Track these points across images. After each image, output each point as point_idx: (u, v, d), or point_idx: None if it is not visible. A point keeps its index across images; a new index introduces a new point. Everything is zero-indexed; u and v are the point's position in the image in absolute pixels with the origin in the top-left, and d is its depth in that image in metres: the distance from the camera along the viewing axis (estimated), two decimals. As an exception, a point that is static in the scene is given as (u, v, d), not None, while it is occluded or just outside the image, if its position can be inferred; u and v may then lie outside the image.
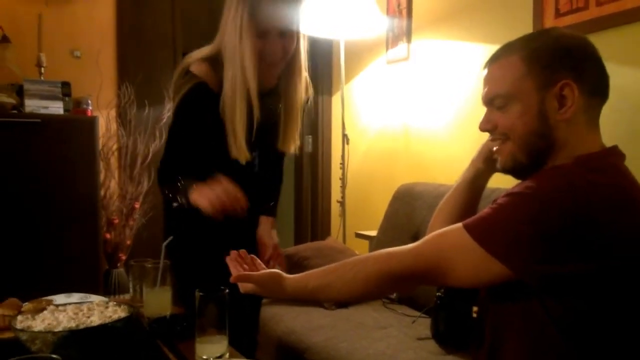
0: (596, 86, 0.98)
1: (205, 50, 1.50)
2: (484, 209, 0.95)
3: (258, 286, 1.11)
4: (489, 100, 1.04)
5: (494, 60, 1.04)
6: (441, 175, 2.57)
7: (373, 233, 2.63)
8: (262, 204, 1.69)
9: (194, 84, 1.44)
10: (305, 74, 1.58)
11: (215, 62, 1.46)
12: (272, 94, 1.56)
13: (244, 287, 1.12)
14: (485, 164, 1.19)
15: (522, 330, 0.95)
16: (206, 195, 1.35)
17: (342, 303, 2.15)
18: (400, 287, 1.16)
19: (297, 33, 1.48)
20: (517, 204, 0.91)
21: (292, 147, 1.62)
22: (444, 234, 0.99)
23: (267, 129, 1.53)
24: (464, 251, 0.93)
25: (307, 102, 1.65)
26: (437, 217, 1.25)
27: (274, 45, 1.43)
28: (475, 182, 1.22)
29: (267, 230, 1.68)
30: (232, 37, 1.41)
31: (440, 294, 1.72)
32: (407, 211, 2.36)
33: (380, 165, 3.09)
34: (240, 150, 1.45)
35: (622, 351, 0.89)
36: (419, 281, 1.05)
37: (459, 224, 0.96)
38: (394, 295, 2.28)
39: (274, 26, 1.42)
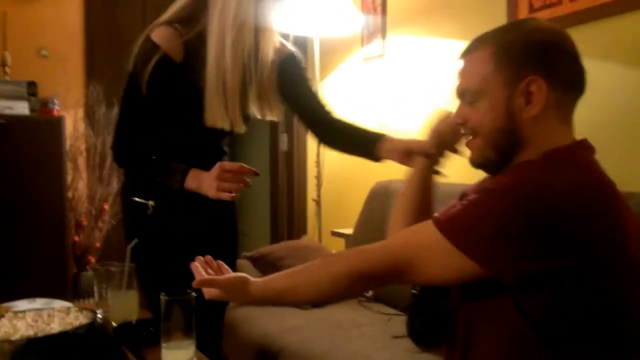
0: (570, 81, 0.95)
1: (173, 10, 1.45)
2: (455, 205, 0.93)
3: (222, 291, 1.06)
4: (460, 94, 1.02)
5: (466, 53, 1.01)
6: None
7: (349, 231, 2.61)
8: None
9: (148, 47, 1.40)
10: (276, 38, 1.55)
11: (182, 20, 1.43)
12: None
13: (209, 292, 1.07)
14: (439, 150, 1.17)
15: (495, 327, 0.93)
16: (211, 186, 1.33)
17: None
18: (369, 286, 1.13)
19: None
20: (488, 201, 0.89)
21: (275, 114, 1.60)
22: (414, 231, 0.97)
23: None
24: (435, 248, 0.91)
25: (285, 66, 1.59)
26: (394, 217, 1.21)
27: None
28: (428, 172, 1.20)
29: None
30: (235, 19, 1.37)
31: (415, 291, 1.70)
32: (383, 208, 2.33)
33: (356, 164, 3.05)
34: (235, 118, 1.43)
35: (594, 349, 0.88)
36: (388, 279, 1.03)
37: (429, 221, 0.93)
38: (369, 294, 2.26)
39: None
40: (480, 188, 0.93)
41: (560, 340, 0.87)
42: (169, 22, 1.43)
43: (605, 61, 1.89)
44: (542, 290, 0.86)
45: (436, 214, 0.95)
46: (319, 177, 2.92)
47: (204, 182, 1.35)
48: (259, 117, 1.58)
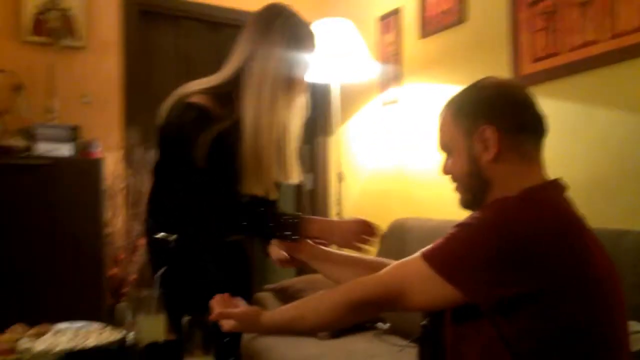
0: (520, 125, 1.08)
1: (206, 85, 1.55)
2: (438, 239, 1.05)
3: (237, 322, 1.21)
4: (440, 148, 1.18)
5: (440, 114, 1.18)
6: (432, 212, 2.67)
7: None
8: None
9: (196, 110, 1.48)
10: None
11: (221, 96, 1.53)
12: None
13: (225, 325, 1.22)
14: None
15: (475, 349, 1.03)
16: (337, 229, 1.44)
17: (334, 332, 2.23)
18: (364, 314, 1.26)
19: None
20: (465, 233, 1.01)
21: (295, 176, 1.69)
22: (404, 264, 1.09)
23: None
24: (422, 278, 1.02)
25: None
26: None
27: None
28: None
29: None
30: (273, 80, 1.49)
31: (425, 322, 1.80)
32: (399, 245, 2.45)
33: (375, 202, 3.20)
34: (267, 186, 1.55)
35: None
36: (383, 307, 1.17)
37: (418, 254, 1.05)
38: (385, 326, 2.36)
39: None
40: (459, 223, 1.05)
41: None
42: (208, 93, 1.52)
43: (601, 107, 2.00)
44: (517, 314, 0.95)
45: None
46: (339, 215, 3.06)
47: (336, 233, 1.43)
48: (282, 181, 1.67)
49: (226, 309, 1.22)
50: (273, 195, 1.61)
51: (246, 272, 1.84)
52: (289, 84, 1.54)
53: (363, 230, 1.43)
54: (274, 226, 1.44)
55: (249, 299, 1.81)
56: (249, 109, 1.51)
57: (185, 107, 1.51)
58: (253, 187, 1.54)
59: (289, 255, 1.47)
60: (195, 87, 1.58)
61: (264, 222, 1.45)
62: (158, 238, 1.68)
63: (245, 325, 1.22)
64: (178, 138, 1.50)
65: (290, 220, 1.43)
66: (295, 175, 1.70)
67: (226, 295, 1.29)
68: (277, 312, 1.22)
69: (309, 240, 1.44)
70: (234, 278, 1.74)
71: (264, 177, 1.56)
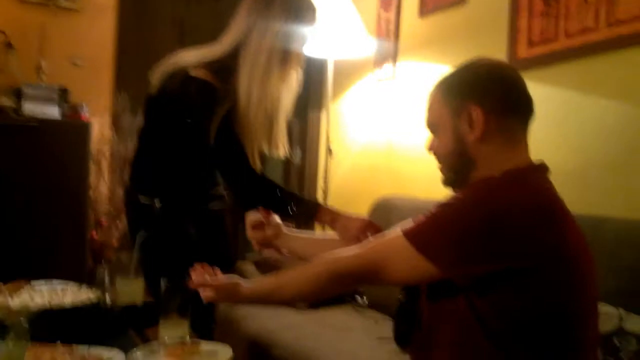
0: (507, 107, 1.09)
1: (205, 56, 1.56)
2: (419, 216, 1.06)
3: (216, 292, 1.21)
4: (427, 127, 1.19)
5: (429, 93, 1.18)
6: (420, 190, 2.67)
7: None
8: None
9: (202, 85, 1.51)
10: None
11: (220, 70, 1.54)
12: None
13: (205, 295, 1.22)
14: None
15: (450, 326, 1.05)
16: (343, 221, 1.50)
17: (313, 303, 2.25)
18: (343, 287, 1.28)
19: None
20: (446, 212, 1.03)
21: (282, 149, 1.73)
22: (384, 239, 1.10)
23: None
24: (401, 254, 1.04)
25: None
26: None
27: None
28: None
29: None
30: (268, 55, 1.51)
31: (401, 297, 1.82)
32: (384, 222, 2.43)
33: (363, 179, 3.21)
34: (254, 158, 1.57)
35: (541, 349, 0.97)
36: (361, 280, 1.20)
37: (398, 230, 1.07)
38: (364, 301, 2.38)
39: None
40: (440, 202, 1.06)
41: (508, 340, 0.98)
42: (208, 66, 1.54)
43: (597, 96, 2.00)
44: (492, 291, 0.97)
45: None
46: (325, 191, 3.06)
47: (349, 229, 1.48)
48: (267, 152, 1.70)
49: (205, 279, 1.22)
50: (255, 167, 1.60)
51: (226, 241, 1.84)
52: (285, 57, 1.55)
53: (369, 228, 1.48)
54: (293, 207, 1.52)
55: (230, 268, 1.81)
56: (243, 81, 1.53)
57: (190, 81, 1.52)
58: (271, 149, 1.63)
59: (264, 243, 1.49)
60: (193, 58, 1.57)
61: (284, 201, 1.53)
62: (142, 202, 1.68)
63: (225, 295, 1.23)
64: (189, 114, 1.53)
65: (308, 206, 1.55)
66: (282, 149, 1.72)
67: (205, 264, 1.29)
68: (257, 282, 1.24)
69: (283, 228, 1.47)
70: (214, 246, 1.74)
71: (251, 148, 1.57)
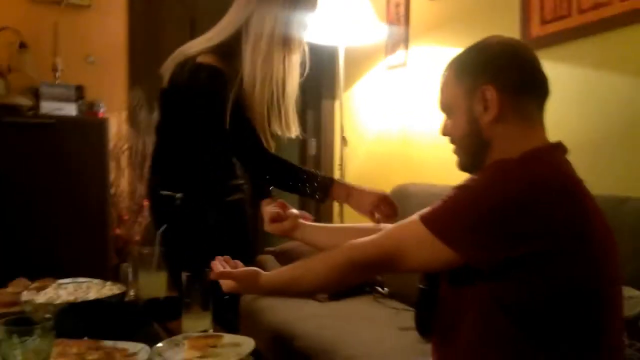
0: (522, 86, 1.06)
1: (210, 42, 1.60)
2: (436, 202, 1.04)
3: (237, 283, 1.21)
4: (440, 109, 1.17)
5: (442, 74, 1.16)
6: (436, 176, 2.66)
7: (369, 231, 2.72)
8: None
9: (211, 71, 1.54)
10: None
11: (228, 52, 1.58)
12: None
13: (225, 285, 1.22)
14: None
15: (472, 312, 1.03)
16: (357, 196, 1.53)
17: (334, 295, 2.26)
18: (362, 275, 1.27)
19: None
20: (463, 196, 1.01)
21: (294, 130, 1.74)
22: (402, 226, 1.08)
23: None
24: (419, 240, 1.02)
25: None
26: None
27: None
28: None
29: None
30: (269, 38, 1.54)
31: (422, 286, 1.82)
32: (401, 211, 2.44)
33: (379, 167, 3.20)
34: (267, 137, 1.61)
35: (565, 332, 0.96)
36: (381, 268, 1.17)
37: (416, 217, 1.05)
38: (385, 290, 2.38)
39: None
40: (457, 185, 1.04)
41: (531, 325, 0.96)
42: (215, 52, 1.57)
43: (612, 72, 1.97)
44: (514, 275, 0.95)
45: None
46: (342, 180, 3.06)
47: (363, 204, 1.50)
48: (279, 133, 1.72)
49: (226, 269, 1.22)
50: (269, 148, 1.63)
51: (247, 232, 1.85)
52: (285, 42, 1.57)
53: (383, 203, 1.48)
54: (308, 184, 1.55)
55: (252, 259, 1.83)
56: (246, 65, 1.56)
57: (198, 68, 1.55)
58: (279, 128, 1.64)
59: (281, 233, 1.49)
60: (198, 45, 1.61)
61: (299, 178, 1.56)
62: (163, 195, 1.70)
63: (245, 286, 1.23)
64: (202, 101, 1.56)
65: (323, 182, 1.55)
66: (293, 129, 1.73)
67: (226, 257, 1.29)
68: (276, 273, 1.23)
69: (301, 220, 1.47)
70: (235, 237, 1.76)
71: (263, 129, 1.60)
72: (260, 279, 1.21)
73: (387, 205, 1.49)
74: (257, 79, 1.55)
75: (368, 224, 1.49)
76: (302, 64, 1.69)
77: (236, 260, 1.29)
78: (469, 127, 1.09)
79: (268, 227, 1.49)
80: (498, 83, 1.05)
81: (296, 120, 1.73)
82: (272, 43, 1.55)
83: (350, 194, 1.53)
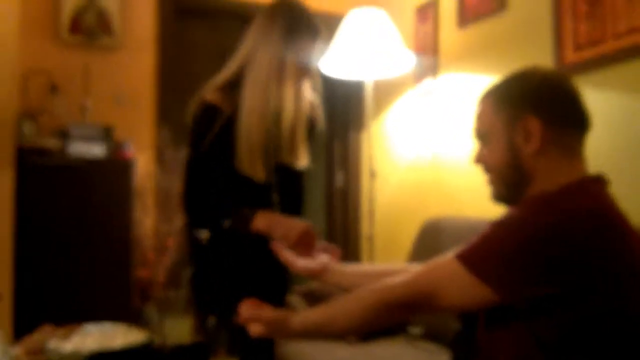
0: (565, 119, 1.06)
1: (219, 80, 1.65)
2: (472, 238, 1.01)
3: (266, 327, 1.16)
4: (475, 136, 1.15)
5: (479, 101, 1.14)
6: (470, 207, 2.58)
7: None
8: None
9: (206, 106, 1.60)
10: (309, 95, 1.71)
11: (232, 86, 1.62)
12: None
13: (253, 329, 1.17)
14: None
15: (509, 352, 1.00)
16: (283, 226, 1.49)
17: (364, 336, 2.18)
18: (396, 316, 1.21)
19: None
20: (500, 232, 0.99)
21: (302, 160, 1.71)
22: (436, 265, 1.06)
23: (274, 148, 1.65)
24: (454, 277, 1.00)
25: (312, 124, 1.76)
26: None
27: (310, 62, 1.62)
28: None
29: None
30: (267, 69, 1.57)
31: (457, 325, 1.74)
32: (433, 246, 2.38)
33: (410, 199, 3.13)
34: (256, 168, 1.58)
35: None
36: (414, 309, 1.12)
37: (451, 254, 1.02)
38: (418, 331, 2.29)
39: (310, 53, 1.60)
40: (494, 222, 1.02)
41: None
42: (221, 87, 1.63)
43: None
44: (554, 311, 0.93)
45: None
46: (371, 214, 2.99)
47: (280, 228, 1.49)
48: (289, 164, 1.71)
49: (254, 313, 1.17)
50: (260, 178, 1.61)
51: (278, 273, 1.79)
52: (285, 72, 1.58)
53: (305, 233, 1.47)
54: (233, 219, 1.55)
55: (282, 301, 1.77)
56: (245, 93, 1.59)
57: (200, 106, 1.62)
58: (246, 168, 1.58)
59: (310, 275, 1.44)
60: (212, 84, 1.67)
61: (228, 216, 1.57)
62: (193, 235, 1.67)
63: (274, 330, 1.17)
64: (191, 135, 1.63)
65: (245, 215, 1.54)
66: (302, 159, 1.71)
67: (254, 300, 1.23)
68: (306, 315, 1.18)
69: (330, 262, 1.42)
70: (265, 280, 1.69)
71: (254, 159, 1.58)
72: (290, 323, 1.15)
73: (310, 239, 1.48)
74: (254, 109, 1.57)
75: (397, 264, 1.46)
76: (311, 92, 1.71)
77: (264, 303, 1.23)
78: (507, 157, 1.07)
79: (297, 268, 1.44)
80: (541, 114, 1.04)
81: (305, 151, 1.72)
82: (271, 74, 1.57)
83: (273, 226, 1.50)
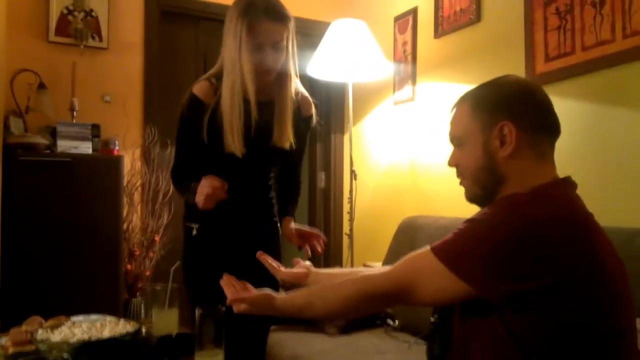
0: (538, 124, 1.10)
1: (210, 71, 1.75)
2: (448, 234, 1.06)
3: (250, 304, 1.22)
4: (450, 140, 1.19)
5: (454, 106, 1.19)
6: (444, 208, 2.68)
7: (380, 264, 2.72)
8: (281, 208, 1.92)
9: (188, 97, 1.72)
10: (299, 87, 1.80)
11: (216, 77, 1.71)
12: (269, 104, 1.74)
13: (237, 307, 1.23)
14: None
15: (483, 344, 1.04)
16: (199, 191, 1.61)
17: (344, 328, 2.26)
18: (374, 307, 1.27)
19: (286, 48, 1.70)
20: (475, 229, 1.02)
21: (287, 143, 1.77)
22: (413, 258, 1.10)
23: (264, 132, 1.73)
24: (432, 272, 1.03)
25: (310, 119, 1.87)
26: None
27: (267, 57, 1.65)
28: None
29: (291, 227, 1.87)
30: (232, 51, 1.64)
31: (433, 320, 1.82)
32: (410, 243, 2.46)
33: (388, 200, 3.23)
34: (236, 144, 1.66)
35: None
36: (391, 301, 1.16)
37: (427, 248, 1.06)
38: (396, 323, 2.38)
39: (268, 41, 1.64)
40: (469, 219, 1.06)
41: (542, 357, 0.96)
42: (207, 78, 1.73)
43: (616, 107, 2.00)
44: (525, 309, 0.96)
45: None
46: (351, 213, 3.08)
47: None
48: (275, 143, 1.77)
49: (240, 294, 1.23)
50: (239, 152, 1.68)
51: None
52: (243, 69, 1.64)
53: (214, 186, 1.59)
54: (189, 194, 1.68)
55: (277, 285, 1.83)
56: (224, 86, 1.68)
57: (187, 97, 1.74)
58: (229, 145, 1.67)
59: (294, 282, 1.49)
60: (202, 77, 1.78)
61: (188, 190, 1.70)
62: (186, 226, 1.75)
63: (258, 308, 1.23)
64: (178, 120, 1.75)
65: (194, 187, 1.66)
66: (285, 140, 1.76)
67: (232, 277, 1.30)
68: (290, 297, 1.23)
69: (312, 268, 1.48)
70: (253, 272, 1.76)
71: (233, 134, 1.66)
72: (274, 301, 1.22)
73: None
74: (226, 101, 1.66)
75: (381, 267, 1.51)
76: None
77: (243, 281, 1.30)
78: (483, 160, 1.11)
79: (280, 274, 1.50)
80: (517, 120, 1.08)
81: (290, 132, 1.77)
82: (233, 70, 1.65)
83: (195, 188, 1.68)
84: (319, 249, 1.79)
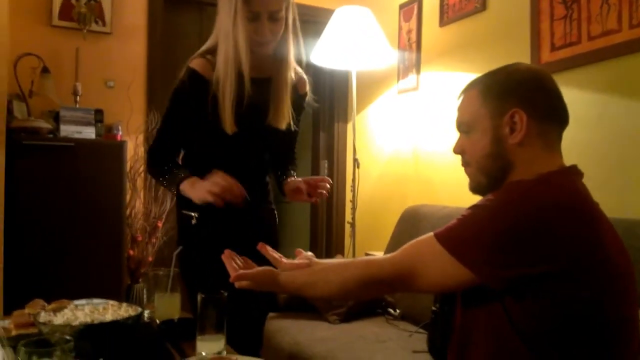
0: (548, 113, 1.09)
1: (204, 47, 1.70)
2: (452, 221, 1.05)
3: (253, 282, 1.21)
4: (457, 127, 1.18)
5: (462, 93, 1.18)
6: (448, 197, 2.68)
7: (382, 253, 2.73)
8: (280, 176, 1.87)
9: (187, 73, 1.65)
10: (295, 65, 1.74)
11: (212, 52, 1.65)
12: (266, 82, 1.70)
13: (240, 283, 1.21)
14: None
15: (484, 331, 1.04)
16: (203, 188, 1.55)
17: (346, 316, 2.27)
18: (376, 291, 1.26)
19: (285, 19, 1.64)
20: (479, 215, 1.02)
21: (283, 123, 1.72)
22: (417, 244, 1.09)
23: (259, 111, 1.69)
24: (435, 258, 1.03)
25: (304, 97, 1.81)
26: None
27: (263, 28, 1.59)
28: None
29: (294, 179, 1.80)
30: (226, 21, 1.59)
31: (435, 308, 1.82)
32: (412, 232, 2.46)
33: (391, 188, 3.23)
34: (227, 119, 1.62)
35: (576, 353, 0.96)
36: (393, 286, 1.15)
37: (431, 234, 1.06)
38: (396, 312, 2.38)
39: (264, 10, 1.58)
40: (473, 205, 1.06)
41: (545, 346, 0.97)
42: (203, 54, 1.68)
43: (621, 97, 1.99)
44: (528, 296, 0.96)
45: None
46: (354, 201, 3.08)
47: (197, 187, 1.58)
48: (272, 124, 1.73)
49: (244, 271, 1.21)
50: (229, 130, 1.64)
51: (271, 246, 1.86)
52: (237, 45, 1.59)
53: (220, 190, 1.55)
54: (167, 179, 1.67)
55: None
56: (218, 62, 1.63)
57: (185, 71, 1.67)
58: (223, 122, 1.63)
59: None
60: (197, 52, 1.71)
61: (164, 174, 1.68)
62: (183, 214, 1.73)
63: (261, 284, 1.21)
64: (173, 91, 1.69)
65: (176, 175, 1.65)
66: (281, 120, 1.72)
67: (233, 253, 1.29)
68: (294, 275, 1.21)
69: (314, 259, 1.46)
70: (253, 259, 1.76)
71: (224, 109, 1.62)
72: (278, 278, 1.21)
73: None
74: (219, 77, 1.61)
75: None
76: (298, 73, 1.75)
77: (244, 257, 1.30)
78: (491, 147, 1.10)
79: (282, 266, 1.49)
80: (527, 107, 1.07)
81: (288, 113, 1.73)
82: (229, 33, 1.59)
83: (193, 183, 1.62)
84: (325, 192, 1.75)
